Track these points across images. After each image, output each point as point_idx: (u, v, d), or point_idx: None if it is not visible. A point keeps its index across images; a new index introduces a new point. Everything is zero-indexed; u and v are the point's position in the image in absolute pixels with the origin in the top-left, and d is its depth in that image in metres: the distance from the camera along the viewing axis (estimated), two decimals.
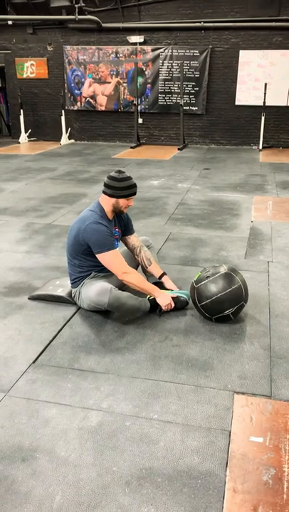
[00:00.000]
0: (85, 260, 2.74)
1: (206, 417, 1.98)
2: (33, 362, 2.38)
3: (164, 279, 3.03)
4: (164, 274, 3.05)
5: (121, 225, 2.96)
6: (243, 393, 2.14)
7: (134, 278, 2.74)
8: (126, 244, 3.06)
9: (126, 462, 1.75)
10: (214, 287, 2.68)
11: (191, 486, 1.65)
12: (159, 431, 1.90)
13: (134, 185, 2.77)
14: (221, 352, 2.48)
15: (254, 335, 2.65)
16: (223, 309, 2.68)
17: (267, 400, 2.10)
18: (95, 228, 2.65)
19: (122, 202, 2.75)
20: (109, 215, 2.81)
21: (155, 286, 2.85)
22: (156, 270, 3.03)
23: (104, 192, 2.76)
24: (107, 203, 2.77)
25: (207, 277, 2.73)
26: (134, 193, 2.78)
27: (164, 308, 2.79)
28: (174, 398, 2.10)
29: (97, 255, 2.69)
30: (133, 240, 3.02)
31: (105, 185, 2.74)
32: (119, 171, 2.76)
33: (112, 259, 2.69)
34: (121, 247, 3.15)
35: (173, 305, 2.82)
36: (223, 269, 2.76)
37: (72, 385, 2.19)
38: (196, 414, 2.00)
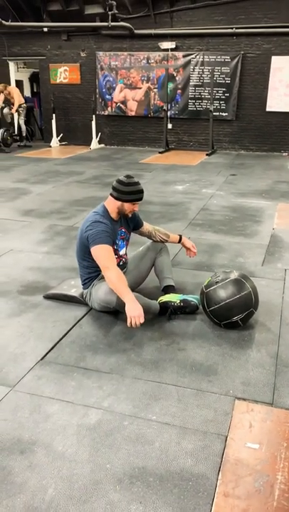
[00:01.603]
0: (92, 261, 2.79)
1: (204, 421, 1.99)
2: (41, 359, 2.45)
3: (183, 240, 3.25)
4: (180, 236, 3.26)
5: (129, 224, 3.04)
6: (244, 399, 2.14)
7: (114, 275, 2.58)
8: (142, 235, 3.17)
9: (120, 460, 1.78)
10: (223, 293, 2.68)
11: (182, 488, 1.66)
12: (155, 432, 1.92)
13: (140, 191, 2.82)
14: (227, 358, 2.47)
15: (262, 342, 2.63)
16: (231, 315, 2.68)
17: (268, 407, 2.09)
18: (93, 226, 2.74)
19: (126, 206, 2.81)
20: (114, 216, 2.87)
21: (130, 293, 2.54)
22: (174, 237, 3.24)
23: (111, 194, 2.82)
24: (113, 205, 2.83)
25: (216, 282, 2.73)
26: (140, 199, 2.84)
27: (128, 322, 2.46)
28: (174, 401, 2.12)
29: (91, 250, 2.73)
30: (146, 228, 3.14)
31: (113, 187, 2.82)
32: (128, 176, 2.82)
33: (100, 252, 2.69)
34: (133, 250, 3.20)
35: (142, 320, 2.45)
36: (234, 275, 2.76)
37: (76, 383, 2.24)
38: (194, 418, 2.01)
